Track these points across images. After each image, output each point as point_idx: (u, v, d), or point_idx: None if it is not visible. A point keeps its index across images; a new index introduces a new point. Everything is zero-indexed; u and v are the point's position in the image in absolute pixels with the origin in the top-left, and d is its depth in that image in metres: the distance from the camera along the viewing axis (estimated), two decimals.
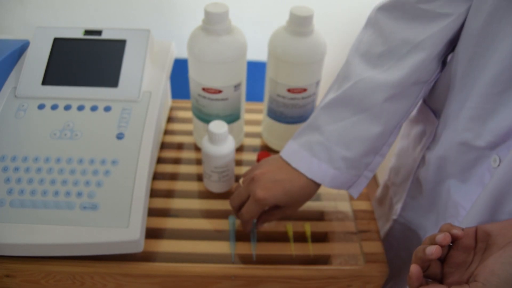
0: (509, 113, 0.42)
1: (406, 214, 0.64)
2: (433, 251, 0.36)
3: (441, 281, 0.38)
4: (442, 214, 0.54)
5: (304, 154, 0.54)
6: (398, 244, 0.66)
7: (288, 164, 0.54)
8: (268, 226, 0.60)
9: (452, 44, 0.50)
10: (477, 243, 0.38)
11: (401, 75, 0.50)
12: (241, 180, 0.58)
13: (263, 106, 0.73)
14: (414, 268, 0.37)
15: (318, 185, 0.55)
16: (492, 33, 0.43)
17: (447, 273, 0.38)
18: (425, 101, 0.60)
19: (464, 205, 0.50)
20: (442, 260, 0.39)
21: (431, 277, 0.39)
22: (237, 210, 0.57)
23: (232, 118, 0.68)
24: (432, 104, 0.57)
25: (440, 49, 0.49)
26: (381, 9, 0.52)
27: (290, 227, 0.60)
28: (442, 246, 0.37)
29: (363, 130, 0.52)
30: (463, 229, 0.38)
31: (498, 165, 0.44)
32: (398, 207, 0.65)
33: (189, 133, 0.76)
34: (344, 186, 0.56)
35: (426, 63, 0.50)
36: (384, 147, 0.55)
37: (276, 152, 0.73)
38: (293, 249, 0.58)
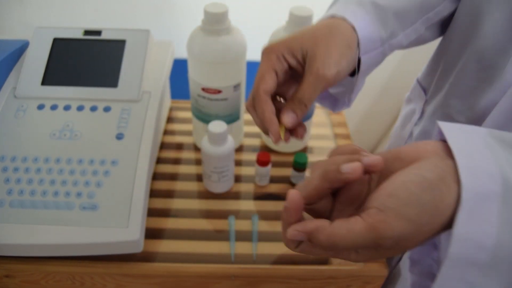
0: (488, 91, 0.43)
1: None
2: (353, 168, 0.27)
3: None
4: None
5: (330, 9, 0.45)
6: None
7: None
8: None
9: None
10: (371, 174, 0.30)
11: None
12: None
13: None
14: (295, 195, 0.28)
15: (347, 25, 0.40)
16: (482, 11, 0.44)
17: (336, 210, 0.31)
18: (418, 80, 0.62)
19: None
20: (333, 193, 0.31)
21: (318, 213, 0.31)
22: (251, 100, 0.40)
23: (231, 118, 0.68)
24: (424, 81, 0.58)
25: None
26: None
27: None
28: (348, 178, 0.28)
29: None
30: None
31: None
32: None
33: (188, 133, 0.76)
34: (366, 43, 0.41)
35: None
36: (411, 28, 0.46)
37: (276, 152, 0.73)
38: None
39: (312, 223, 0.27)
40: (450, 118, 0.49)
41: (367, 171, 0.28)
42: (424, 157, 0.27)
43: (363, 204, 0.28)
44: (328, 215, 0.31)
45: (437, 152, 0.28)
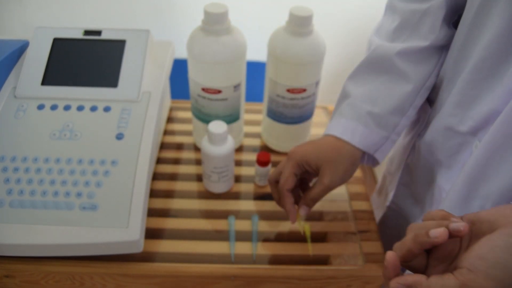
0: (489, 99, 0.44)
1: (398, 201, 0.65)
2: (439, 233, 0.32)
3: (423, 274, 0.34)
4: (429, 201, 0.56)
5: (335, 119, 0.56)
6: (391, 234, 0.67)
7: (324, 136, 0.56)
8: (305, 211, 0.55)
9: (457, 8, 0.52)
10: None
11: (416, 43, 0.53)
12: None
13: (263, 106, 0.73)
14: (391, 256, 0.34)
15: (351, 146, 0.53)
16: (481, 22, 0.45)
17: (430, 266, 0.35)
18: None
19: (446, 190, 0.51)
20: (428, 250, 0.36)
21: (414, 269, 0.35)
22: (273, 183, 0.56)
23: (231, 118, 0.68)
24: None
25: (445, 12, 0.52)
26: None
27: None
28: (436, 244, 0.33)
29: (388, 88, 0.54)
30: (461, 220, 0.34)
31: None
32: (391, 195, 0.66)
33: (188, 133, 0.76)
34: (372, 147, 0.55)
35: (437, 27, 0.52)
36: (411, 108, 0.55)
37: (276, 152, 0.73)
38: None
39: (411, 278, 0.32)
40: (451, 130, 0.49)
41: (453, 235, 0.32)
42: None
43: (455, 260, 0.32)
44: (423, 270, 0.35)
45: None
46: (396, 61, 0.53)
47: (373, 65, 0.56)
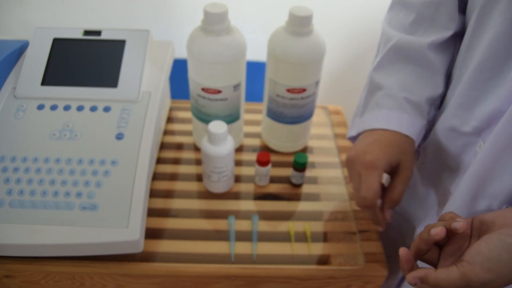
0: (493, 99, 0.44)
1: (402, 203, 0.65)
2: (437, 231, 0.38)
3: (435, 267, 0.40)
4: (433, 203, 0.55)
5: (376, 112, 0.54)
6: (395, 237, 0.67)
7: (369, 131, 0.54)
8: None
9: None
10: (472, 231, 0.39)
11: (436, 35, 0.53)
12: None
13: (263, 106, 0.73)
14: (402, 251, 0.40)
15: (409, 140, 0.52)
16: (483, 23, 0.45)
17: (442, 259, 0.40)
18: None
19: (451, 191, 0.51)
20: (441, 246, 0.41)
21: (428, 261, 0.41)
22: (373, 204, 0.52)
23: (231, 118, 0.68)
24: None
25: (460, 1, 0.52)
26: None
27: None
28: (435, 240, 0.39)
29: (419, 77, 0.54)
30: (463, 220, 0.39)
31: None
32: None
33: (188, 133, 0.76)
34: (419, 134, 0.54)
35: (455, 15, 0.52)
36: (439, 98, 0.55)
37: (276, 152, 0.73)
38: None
39: (422, 271, 0.38)
40: (455, 131, 0.49)
41: (453, 233, 0.38)
42: (510, 224, 0.36)
43: (462, 256, 0.37)
44: (436, 263, 0.40)
45: None
46: (427, 53, 0.53)
47: (399, 55, 0.55)
